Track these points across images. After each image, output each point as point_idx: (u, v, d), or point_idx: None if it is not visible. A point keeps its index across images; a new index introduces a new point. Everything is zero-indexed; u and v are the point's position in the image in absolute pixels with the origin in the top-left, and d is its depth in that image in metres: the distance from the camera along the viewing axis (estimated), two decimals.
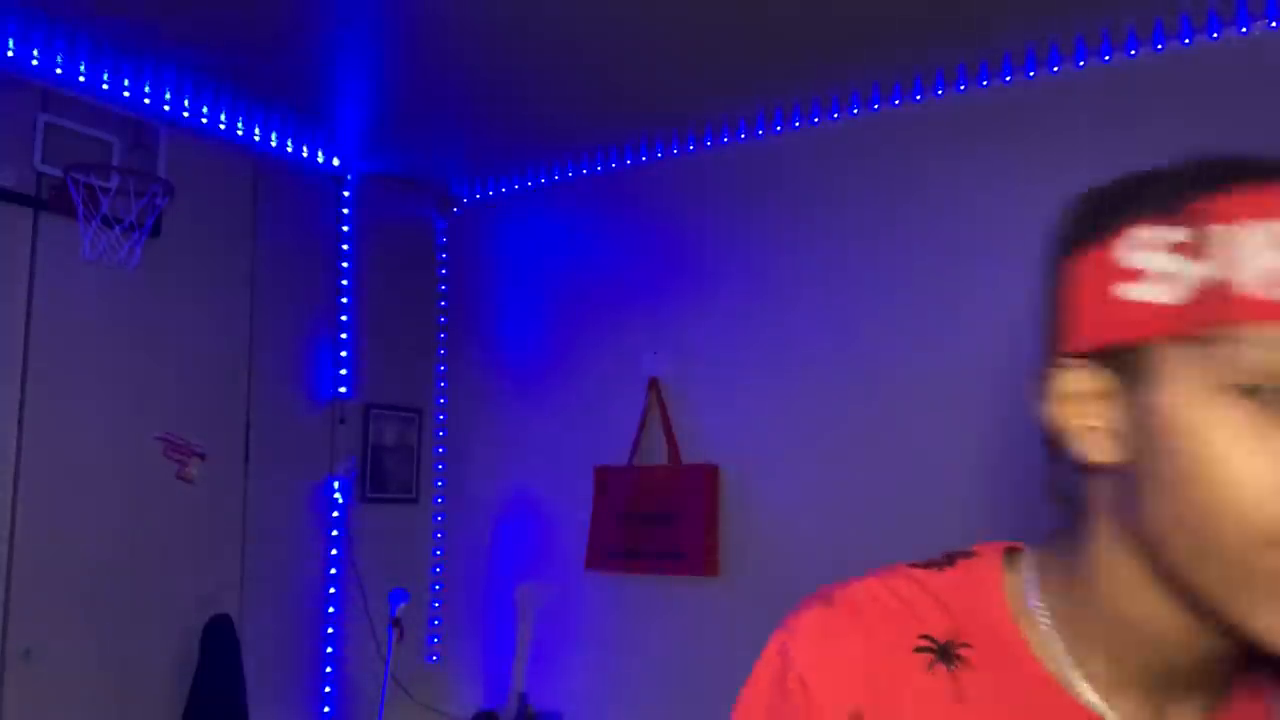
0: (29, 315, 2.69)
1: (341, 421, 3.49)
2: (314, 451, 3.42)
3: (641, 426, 3.26)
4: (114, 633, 2.80)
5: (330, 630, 3.39)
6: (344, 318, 3.56)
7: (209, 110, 3.11)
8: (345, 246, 3.58)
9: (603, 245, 3.55)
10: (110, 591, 2.80)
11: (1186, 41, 2.54)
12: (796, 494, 2.98)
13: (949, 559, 0.67)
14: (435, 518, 3.80)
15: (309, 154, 3.47)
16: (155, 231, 2.91)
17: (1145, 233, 0.56)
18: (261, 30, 2.64)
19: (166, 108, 3.00)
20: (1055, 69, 2.71)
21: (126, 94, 2.89)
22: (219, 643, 2.95)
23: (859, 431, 2.91)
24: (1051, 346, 0.59)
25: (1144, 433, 0.54)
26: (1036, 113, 2.74)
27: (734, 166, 3.22)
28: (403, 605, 3.06)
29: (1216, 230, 0.53)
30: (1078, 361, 0.57)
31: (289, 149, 3.40)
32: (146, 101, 2.94)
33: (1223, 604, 0.53)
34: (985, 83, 2.80)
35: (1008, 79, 2.77)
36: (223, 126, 3.16)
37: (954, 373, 2.77)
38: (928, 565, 0.67)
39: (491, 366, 3.75)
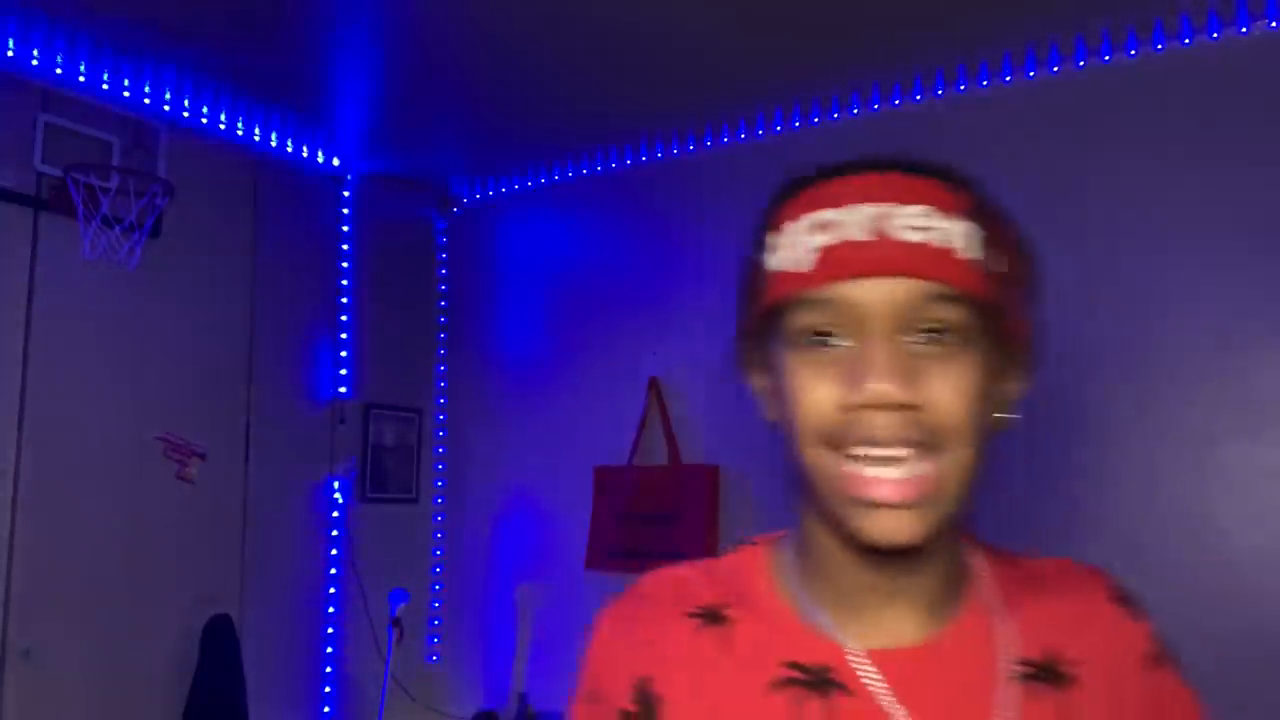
0: (29, 315, 2.69)
1: (341, 421, 3.49)
2: (314, 451, 3.43)
3: (641, 426, 3.26)
4: (114, 633, 2.80)
5: (330, 630, 3.40)
6: (344, 318, 3.56)
7: (209, 110, 3.11)
8: (345, 246, 3.59)
9: (603, 245, 3.55)
10: (110, 591, 2.80)
11: (1186, 41, 2.54)
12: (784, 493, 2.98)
13: (734, 548, 0.81)
14: (435, 518, 3.80)
15: (309, 154, 3.47)
16: (155, 231, 2.91)
17: (766, 236, 0.72)
18: (261, 30, 2.64)
19: (166, 108, 3.00)
20: (1055, 69, 2.71)
21: (126, 94, 2.89)
22: (219, 643, 2.95)
23: None
24: (738, 317, 0.75)
25: (776, 393, 0.70)
26: (1037, 113, 2.74)
27: (734, 166, 3.22)
28: (403, 605, 3.06)
29: (782, 228, 0.69)
30: (753, 351, 0.74)
31: (289, 149, 3.40)
32: (146, 101, 2.94)
33: (837, 520, 0.66)
34: (985, 83, 2.80)
35: (1008, 79, 2.77)
36: (223, 126, 3.16)
37: None
38: (719, 554, 0.81)
39: (491, 366, 3.75)
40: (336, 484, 3.45)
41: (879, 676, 0.69)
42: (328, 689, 3.38)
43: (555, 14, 2.53)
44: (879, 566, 0.69)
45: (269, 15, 2.55)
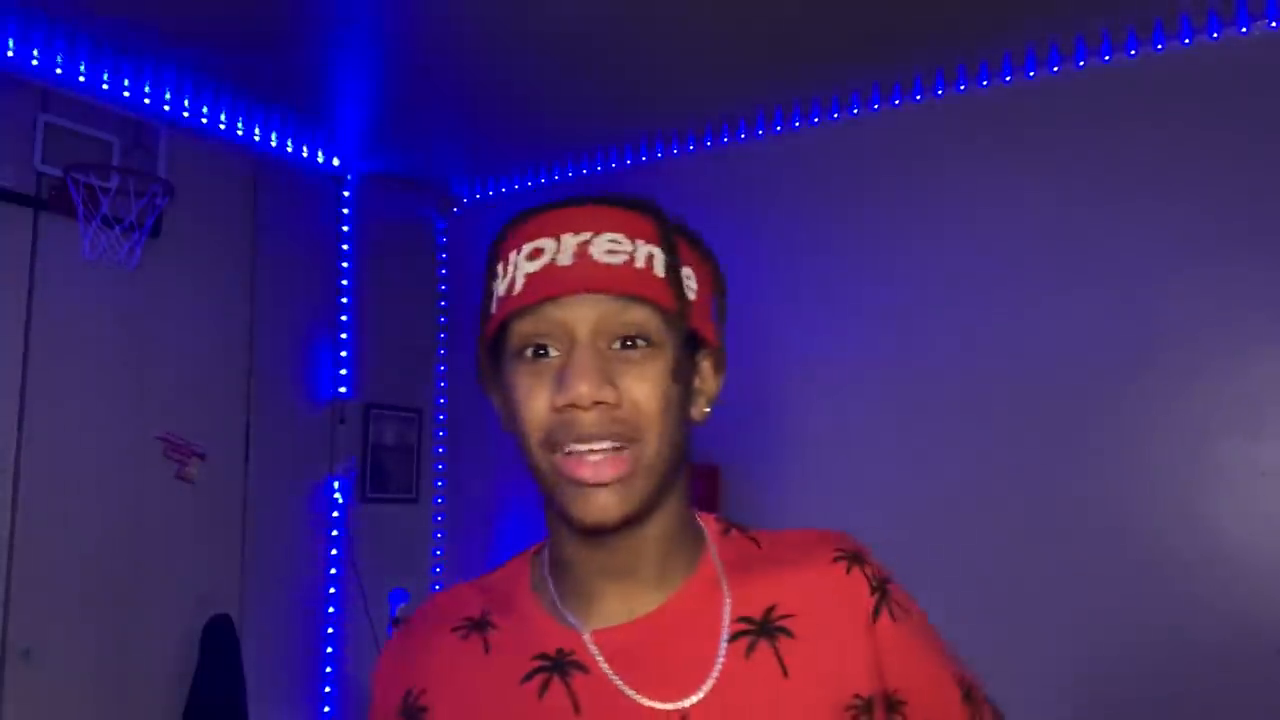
0: (29, 315, 2.69)
1: (341, 421, 3.49)
2: (314, 451, 3.42)
3: None
4: (114, 633, 2.80)
5: (330, 630, 3.39)
6: (344, 318, 3.56)
7: (209, 110, 3.11)
8: (345, 246, 3.58)
9: None
10: (110, 591, 2.80)
11: (1186, 41, 2.54)
12: (796, 494, 2.98)
13: (511, 560, 0.89)
14: (435, 518, 3.80)
15: (309, 154, 3.47)
16: (155, 231, 2.91)
17: (493, 266, 0.81)
18: (261, 30, 2.64)
19: (166, 108, 3.00)
20: (1055, 69, 2.71)
21: (126, 94, 2.89)
22: (219, 643, 2.95)
23: (858, 430, 2.91)
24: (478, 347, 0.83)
25: (505, 407, 0.79)
26: (1036, 113, 2.74)
27: (734, 166, 3.22)
28: (403, 605, 3.06)
29: (504, 258, 0.79)
30: (489, 376, 0.83)
31: (289, 149, 3.40)
32: (146, 101, 2.94)
33: (560, 507, 0.75)
34: (985, 83, 2.80)
35: (1008, 79, 2.77)
36: (223, 126, 3.16)
37: (953, 370, 2.78)
38: (497, 567, 0.89)
39: None
40: (336, 484, 3.45)
41: (601, 652, 0.77)
42: (328, 689, 3.38)
43: (555, 14, 2.53)
44: (599, 547, 0.78)
45: (269, 15, 2.55)
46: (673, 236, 0.78)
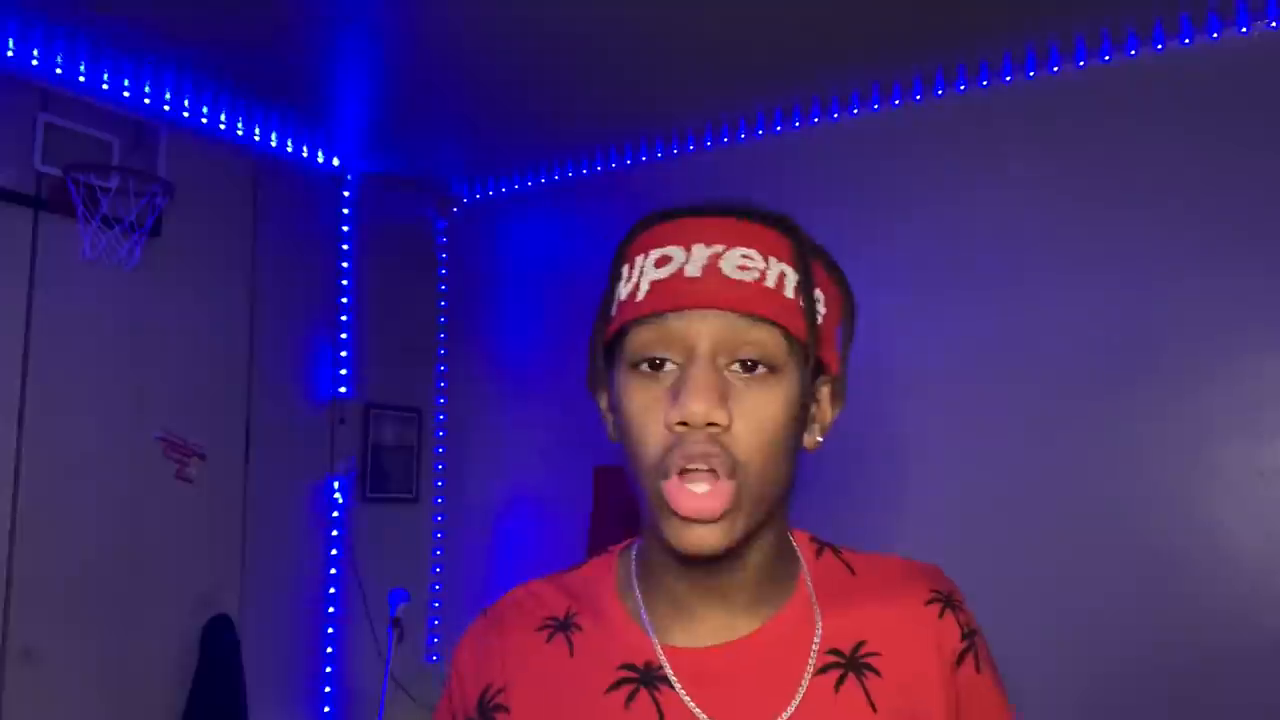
0: (29, 315, 2.69)
1: (341, 421, 3.49)
2: (314, 451, 3.42)
3: None
4: (114, 633, 2.80)
5: (330, 630, 3.40)
6: (344, 318, 3.56)
7: (209, 110, 3.11)
8: (345, 246, 3.59)
9: (603, 245, 3.53)
10: (110, 592, 2.80)
11: (1186, 41, 2.54)
12: (797, 494, 2.98)
13: (585, 561, 0.87)
14: (435, 518, 3.80)
15: (309, 154, 3.47)
16: (155, 231, 2.91)
17: (618, 268, 0.79)
18: (261, 30, 2.64)
19: (166, 108, 3.00)
20: (1055, 69, 2.71)
21: (126, 94, 2.89)
22: (219, 643, 2.95)
23: (856, 429, 2.90)
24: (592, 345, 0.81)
25: (618, 416, 0.75)
26: (1036, 113, 2.74)
27: (733, 166, 3.22)
28: (403, 605, 3.06)
29: (629, 261, 0.77)
30: (603, 377, 0.80)
31: (289, 149, 3.40)
32: (146, 101, 2.94)
33: (658, 530, 0.72)
34: (985, 83, 2.80)
35: (1008, 79, 2.77)
36: (223, 126, 3.16)
37: (953, 371, 2.77)
38: (567, 569, 0.88)
39: (491, 366, 3.75)
40: (336, 484, 3.45)
41: (687, 672, 0.76)
42: (328, 689, 3.38)
43: (555, 14, 2.53)
44: (695, 570, 0.76)
45: (269, 15, 2.55)
46: (808, 257, 0.76)
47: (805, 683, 0.76)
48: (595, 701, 0.77)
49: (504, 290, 3.77)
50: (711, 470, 0.69)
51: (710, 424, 0.69)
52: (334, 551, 3.43)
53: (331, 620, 3.40)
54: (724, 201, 0.77)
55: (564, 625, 0.82)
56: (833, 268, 0.79)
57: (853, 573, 0.83)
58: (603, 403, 0.81)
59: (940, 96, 2.88)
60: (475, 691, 0.82)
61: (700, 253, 0.73)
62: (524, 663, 0.81)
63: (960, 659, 0.80)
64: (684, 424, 0.69)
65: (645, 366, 0.73)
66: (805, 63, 2.81)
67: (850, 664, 0.78)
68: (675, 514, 0.70)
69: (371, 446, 3.60)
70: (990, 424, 2.72)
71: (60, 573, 2.70)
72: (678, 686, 0.76)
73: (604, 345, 0.78)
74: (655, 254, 0.75)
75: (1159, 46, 2.58)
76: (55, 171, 2.70)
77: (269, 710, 3.13)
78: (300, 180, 3.46)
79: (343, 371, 3.52)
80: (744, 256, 0.73)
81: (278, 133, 3.33)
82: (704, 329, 0.71)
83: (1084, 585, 2.53)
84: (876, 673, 0.77)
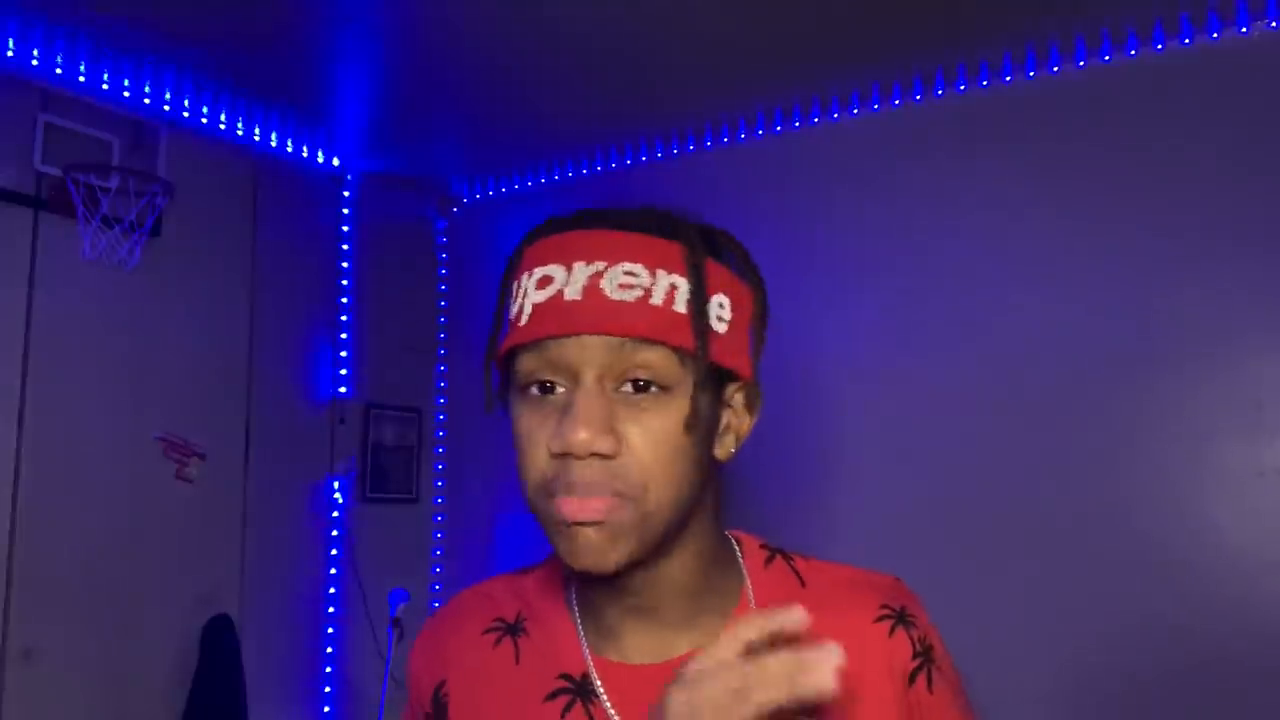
0: (29, 315, 2.69)
1: (341, 421, 3.49)
2: (314, 451, 3.42)
3: None
4: (114, 633, 2.80)
5: (330, 630, 3.39)
6: (344, 318, 3.56)
7: (209, 110, 3.11)
8: (345, 246, 3.58)
9: None
10: (110, 592, 2.80)
11: (1186, 41, 2.54)
12: (795, 494, 2.98)
13: (543, 562, 0.86)
14: (435, 518, 3.80)
15: (309, 154, 3.47)
16: (155, 231, 2.91)
17: (507, 283, 0.76)
18: (261, 30, 2.64)
19: (166, 108, 3.00)
20: (1055, 69, 2.71)
21: (126, 94, 2.89)
22: (219, 643, 2.94)
23: (857, 431, 2.91)
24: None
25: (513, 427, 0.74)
26: (1036, 113, 2.74)
27: (734, 166, 3.22)
28: (403, 605, 3.05)
29: (517, 278, 0.73)
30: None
31: (289, 149, 3.40)
32: (146, 101, 2.94)
33: (556, 547, 0.71)
34: (985, 83, 2.80)
35: (1008, 79, 2.77)
36: (223, 126, 3.16)
37: (952, 370, 2.77)
38: (526, 568, 0.87)
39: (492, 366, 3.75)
40: (336, 484, 3.45)
41: (615, 689, 0.75)
42: (328, 689, 3.38)
43: (555, 14, 2.53)
44: (615, 587, 0.74)
45: (269, 15, 2.55)
46: (703, 262, 0.71)
47: None
48: (534, 708, 0.77)
49: None
50: (599, 505, 0.68)
51: (595, 453, 0.67)
52: (334, 551, 3.43)
53: (331, 620, 3.40)
54: (610, 211, 0.73)
55: (512, 629, 0.82)
56: (741, 265, 0.76)
57: (803, 584, 0.80)
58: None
59: (940, 96, 2.88)
60: (430, 686, 0.83)
61: (581, 273, 0.69)
62: (469, 661, 0.81)
63: (912, 678, 0.76)
64: (568, 454, 0.68)
65: (534, 389, 0.71)
66: (805, 63, 2.81)
67: None
68: (563, 521, 0.69)
69: (371, 446, 3.59)
70: (989, 424, 2.72)
71: (60, 573, 2.70)
72: (607, 704, 0.75)
73: (499, 365, 0.76)
74: (538, 273, 0.71)
75: (1159, 46, 2.58)
76: (55, 171, 2.70)
77: (269, 710, 3.12)
78: (300, 180, 3.46)
79: (343, 371, 3.52)
80: (627, 273, 0.69)
81: (278, 133, 3.33)
82: (587, 355, 0.68)
83: (1083, 584, 2.53)
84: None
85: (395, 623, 3.04)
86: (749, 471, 3.12)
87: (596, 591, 0.76)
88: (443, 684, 0.82)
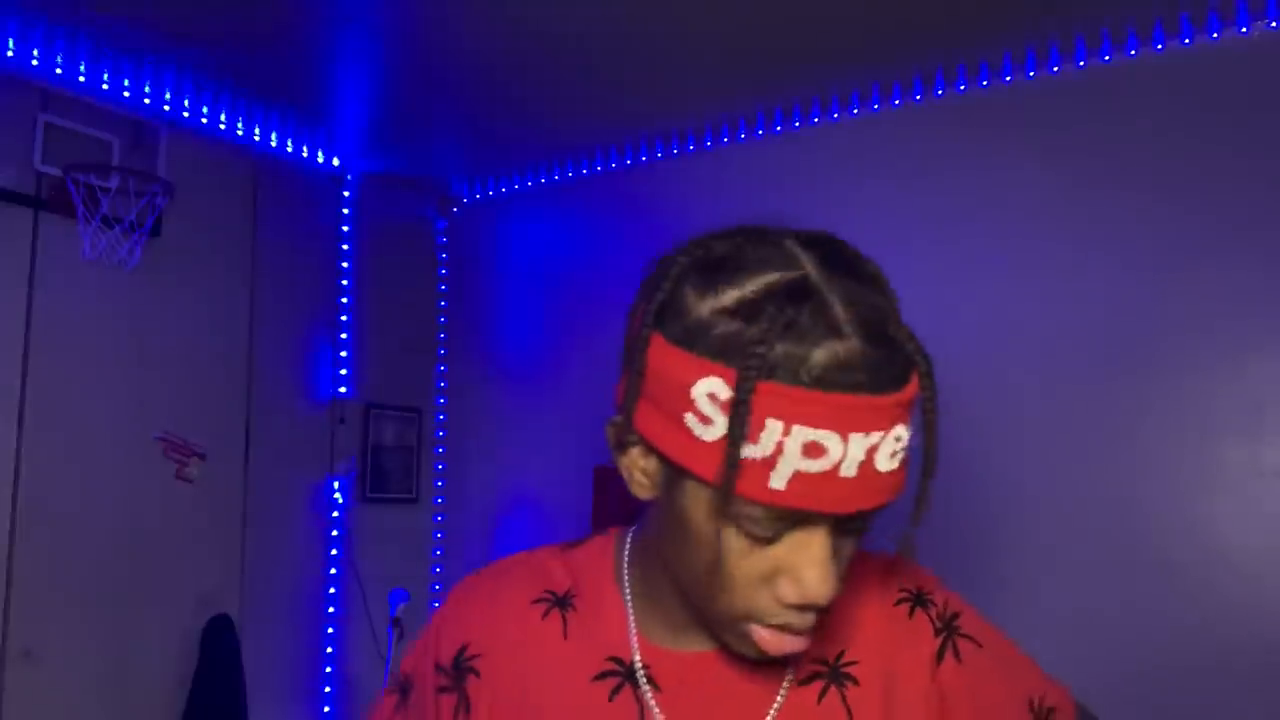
0: (29, 315, 2.69)
1: (341, 421, 3.49)
2: (314, 451, 3.42)
3: None
4: (114, 633, 2.80)
5: (330, 630, 3.39)
6: (344, 318, 3.56)
7: (209, 110, 3.11)
8: (345, 246, 3.58)
9: (603, 245, 3.55)
10: (110, 592, 2.80)
11: (1186, 41, 2.54)
12: None
13: (589, 537, 0.85)
14: (435, 518, 3.80)
15: (309, 154, 3.47)
16: (155, 231, 2.91)
17: (711, 380, 0.62)
18: (261, 30, 2.64)
19: (166, 108, 3.00)
20: (1055, 69, 2.71)
21: (126, 94, 2.89)
22: (219, 643, 2.95)
23: None
24: (625, 403, 0.68)
25: (672, 508, 0.68)
26: (1037, 113, 2.74)
27: (734, 166, 3.22)
28: (403, 605, 3.06)
29: (757, 413, 0.60)
30: (636, 438, 0.69)
31: (289, 149, 3.40)
32: (146, 101, 2.94)
33: (713, 626, 0.71)
34: (985, 83, 2.80)
35: (1008, 79, 2.77)
36: (223, 126, 3.16)
37: (951, 370, 2.77)
38: (572, 542, 0.85)
39: (491, 366, 3.75)
40: (336, 484, 3.45)
41: (668, 676, 0.76)
42: (328, 689, 3.38)
43: (555, 15, 2.53)
44: (673, 585, 0.75)
45: (269, 15, 2.55)
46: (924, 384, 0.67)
47: (783, 694, 0.75)
48: (581, 685, 0.76)
49: (504, 290, 3.77)
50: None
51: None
52: (334, 551, 3.43)
53: (331, 620, 3.40)
54: (881, 360, 0.63)
55: (561, 603, 0.80)
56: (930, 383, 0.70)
57: None
58: (630, 464, 0.71)
59: (940, 96, 2.88)
60: (454, 644, 0.81)
61: (858, 447, 0.61)
62: (505, 629, 0.80)
63: (939, 657, 0.78)
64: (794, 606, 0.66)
65: (752, 535, 0.65)
66: (805, 63, 2.80)
67: (832, 674, 0.76)
68: (755, 645, 0.69)
69: (371, 446, 3.60)
70: (988, 424, 2.71)
71: (60, 573, 2.70)
72: (660, 689, 0.75)
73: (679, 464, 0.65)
74: (804, 437, 0.60)
75: (1159, 46, 2.57)
76: (55, 171, 2.70)
77: (269, 710, 3.13)
78: (300, 180, 3.46)
79: (343, 371, 3.52)
80: (896, 439, 0.64)
81: (278, 133, 3.33)
82: (834, 518, 0.64)
83: (1082, 585, 2.53)
84: (855, 682, 0.76)
85: (395, 623, 3.04)
86: None
87: (670, 595, 0.75)
88: (467, 648, 0.80)
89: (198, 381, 3.08)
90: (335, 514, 3.44)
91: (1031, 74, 2.74)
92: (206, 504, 3.05)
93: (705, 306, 0.65)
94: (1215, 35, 2.51)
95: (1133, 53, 2.61)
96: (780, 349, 0.60)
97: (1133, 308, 2.56)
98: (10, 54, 2.64)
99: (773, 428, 0.60)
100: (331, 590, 3.41)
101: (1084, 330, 2.62)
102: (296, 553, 3.34)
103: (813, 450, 0.60)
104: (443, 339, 3.88)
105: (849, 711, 0.75)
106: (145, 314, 2.95)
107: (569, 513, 3.41)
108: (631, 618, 0.78)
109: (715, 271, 0.67)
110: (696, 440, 0.63)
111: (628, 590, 0.79)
